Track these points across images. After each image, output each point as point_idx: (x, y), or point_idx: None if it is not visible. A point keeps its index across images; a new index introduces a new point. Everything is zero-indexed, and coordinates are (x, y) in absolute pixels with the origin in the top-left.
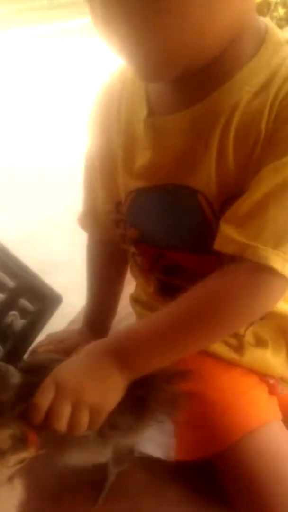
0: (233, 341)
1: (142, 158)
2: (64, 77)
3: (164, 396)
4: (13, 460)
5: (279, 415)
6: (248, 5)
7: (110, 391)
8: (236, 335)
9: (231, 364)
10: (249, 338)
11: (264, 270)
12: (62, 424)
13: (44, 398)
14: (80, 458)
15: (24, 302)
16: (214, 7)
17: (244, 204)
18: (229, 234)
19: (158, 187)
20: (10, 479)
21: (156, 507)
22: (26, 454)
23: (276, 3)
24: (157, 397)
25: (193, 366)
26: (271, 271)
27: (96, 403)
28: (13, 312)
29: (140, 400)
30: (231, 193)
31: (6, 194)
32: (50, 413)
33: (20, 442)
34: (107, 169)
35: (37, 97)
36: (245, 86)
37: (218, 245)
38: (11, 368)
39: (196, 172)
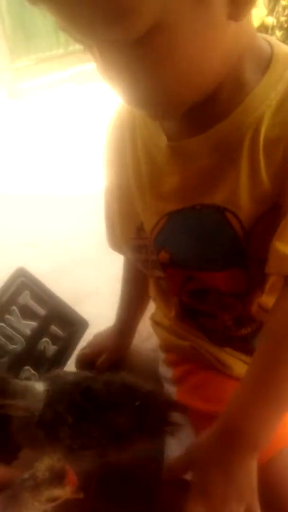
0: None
1: (170, 183)
2: (81, 118)
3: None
4: (46, 495)
5: None
6: (243, 28)
7: (246, 487)
8: None
9: None
10: None
11: None
12: None
13: None
14: None
15: (54, 329)
16: (207, 38)
17: None
18: (286, 253)
19: (187, 208)
20: None
21: None
22: (60, 493)
23: (273, 26)
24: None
25: (218, 388)
26: None
27: (251, 501)
28: (45, 339)
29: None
30: (266, 206)
31: (35, 229)
32: None
33: (57, 477)
34: (125, 198)
35: (60, 136)
36: (265, 100)
37: (274, 267)
38: None
39: (222, 190)
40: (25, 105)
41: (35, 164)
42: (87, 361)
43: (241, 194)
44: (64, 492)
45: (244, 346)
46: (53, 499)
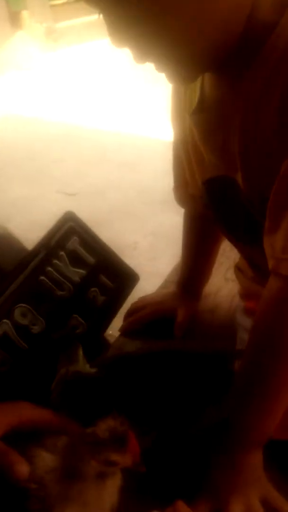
0: None
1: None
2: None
3: None
4: (104, 456)
5: None
6: None
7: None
8: None
9: None
10: None
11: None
12: None
13: None
14: None
15: (103, 279)
16: None
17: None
18: (267, 248)
19: (216, 177)
20: (101, 476)
21: None
22: (119, 459)
23: None
24: None
25: None
26: None
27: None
28: (94, 289)
29: None
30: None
31: (75, 179)
32: None
33: (117, 441)
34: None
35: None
36: None
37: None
38: None
39: (233, 163)
40: (61, 46)
41: (75, 109)
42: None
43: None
44: (122, 459)
45: None
46: (111, 463)
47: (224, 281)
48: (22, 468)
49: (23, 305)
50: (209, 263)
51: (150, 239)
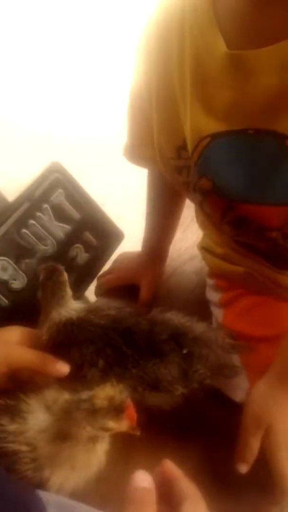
0: None
1: (221, 98)
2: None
3: (214, 360)
4: (100, 423)
5: None
6: None
7: None
8: None
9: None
10: None
11: None
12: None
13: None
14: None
15: (88, 236)
16: None
17: None
18: None
19: (237, 132)
20: (92, 440)
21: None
22: (115, 426)
23: None
24: (207, 359)
25: (270, 312)
26: None
27: None
28: (77, 245)
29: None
30: None
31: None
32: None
33: (115, 409)
34: (166, 108)
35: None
36: None
37: None
38: None
39: (286, 115)
40: None
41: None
42: (111, 288)
43: None
44: (119, 426)
45: None
46: (107, 429)
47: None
48: (62, 368)
49: (4, 258)
50: (174, 222)
51: (118, 196)
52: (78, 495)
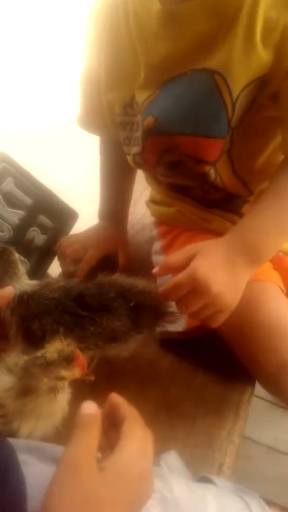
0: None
1: (163, 49)
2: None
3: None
4: (55, 374)
5: (278, 282)
6: None
7: (239, 294)
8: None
9: None
10: None
11: None
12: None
13: (182, 289)
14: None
15: (43, 219)
16: None
17: None
18: None
19: (179, 75)
20: (52, 390)
21: (186, 391)
22: (68, 374)
23: None
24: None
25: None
26: None
27: (229, 305)
28: (33, 228)
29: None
30: (254, 75)
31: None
32: (185, 302)
33: (64, 360)
34: (115, 73)
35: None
36: None
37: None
38: None
39: (215, 53)
40: None
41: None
42: (76, 257)
43: (233, 60)
44: (71, 373)
45: (228, 206)
46: (61, 378)
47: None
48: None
49: None
50: (129, 187)
51: (85, 181)
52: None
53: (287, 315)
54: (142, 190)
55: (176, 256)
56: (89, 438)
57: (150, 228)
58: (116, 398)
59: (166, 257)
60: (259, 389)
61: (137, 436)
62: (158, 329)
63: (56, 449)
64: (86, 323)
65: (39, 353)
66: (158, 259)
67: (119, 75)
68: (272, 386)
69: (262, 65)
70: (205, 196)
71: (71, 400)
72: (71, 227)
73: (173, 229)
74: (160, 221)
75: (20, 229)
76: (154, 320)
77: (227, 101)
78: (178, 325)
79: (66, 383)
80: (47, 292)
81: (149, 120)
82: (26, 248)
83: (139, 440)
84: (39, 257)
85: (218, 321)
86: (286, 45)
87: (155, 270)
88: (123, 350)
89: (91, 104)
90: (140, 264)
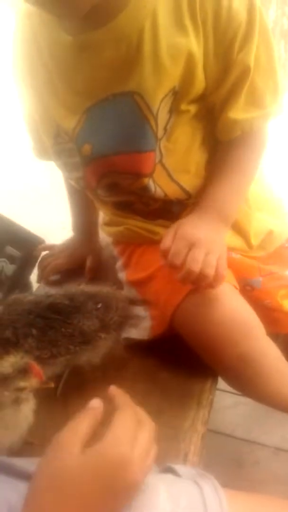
0: None
1: (81, 78)
2: None
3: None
4: (12, 386)
5: (233, 280)
6: None
7: (223, 239)
8: None
9: None
10: None
11: None
12: (196, 267)
13: (169, 244)
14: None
15: (10, 249)
16: None
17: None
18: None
19: (102, 100)
20: (16, 402)
21: (151, 387)
22: (26, 384)
23: None
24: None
25: (149, 255)
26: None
27: (216, 244)
28: (1, 259)
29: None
30: (167, 87)
31: None
32: (176, 253)
33: (20, 372)
34: (42, 108)
35: None
36: None
37: (224, 134)
38: None
39: (130, 76)
40: None
41: None
42: (60, 271)
43: (146, 79)
44: (29, 384)
45: (169, 215)
46: (21, 389)
47: None
48: None
49: None
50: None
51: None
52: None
53: (243, 309)
54: None
55: (165, 239)
56: (78, 423)
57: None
58: (112, 390)
59: (127, 274)
60: None
61: (122, 424)
62: (124, 335)
63: (26, 465)
64: (57, 325)
65: None
66: (121, 276)
67: (40, 109)
68: (233, 379)
69: (171, 78)
70: (146, 209)
71: (43, 409)
72: (38, 254)
73: (127, 247)
74: (116, 241)
75: None
76: (121, 321)
77: (149, 117)
78: (143, 333)
79: (30, 394)
80: (16, 307)
81: (86, 147)
82: None
83: (125, 428)
84: (10, 287)
85: (212, 264)
86: (190, 60)
87: (161, 263)
88: (93, 355)
89: (36, 134)
90: (106, 277)
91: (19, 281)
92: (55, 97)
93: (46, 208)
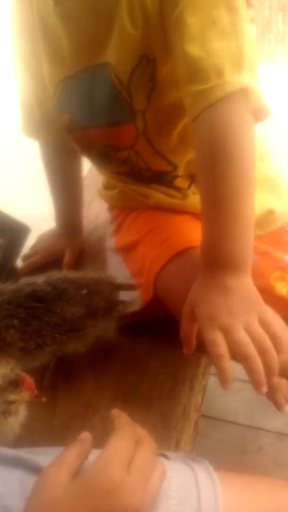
0: (177, 194)
1: (61, 46)
2: None
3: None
4: (2, 399)
5: None
6: None
7: (251, 286)
8: (180, 189)
9: (176, 211)
10: (192, 189)
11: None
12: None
13: (219, 340)
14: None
15: None
16: None
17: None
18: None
19: (79, 72)
20: (3, 414)
21: (141, 375)
22: (17, 398)
23: None
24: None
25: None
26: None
27: (260, 302)
28: None
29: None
30: (137, 54)
31: None
32: (236, 345)
33: (11, 384)
34: (30, 74)
35: None
36: None
37: (189, 113)
38: None
39: (104, 47)
40: None
41: None
42: (37, 267)
43: (113, 47)
44: (20, 397)
45: (162, 182)
46: (11, 402)
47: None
48: None
49: None
50: (78, 193)
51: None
52: None
53: None
54: (93, 196)
55: (183, 322)
56: (64, 455)
57: (103, 227)
58: (113, 412)
59: (117, 239)
60: None
61: (115, 446)
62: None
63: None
64: (40, 314)
65: None
66: (111, 242)
67: (28, 74)
68: None
69: (136, 45)
70: (139, 176)
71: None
72: (24, 241)
73: (121, 212)
74: (111, 206)
75: None
76: (107, 307)
77: (119, 88)
78: (134, 305)
79: (19, 406)
80: None
81: (65, 117)
82: None
83: (118, 450)
84: None
85: (272, 323)
86: (152, 18)
87: (185, 351)
88: (80, 344)
89: (27, 101)
90: (93, 261)
91: (3, 269)
92: (39, 65)
93: (35, 196)
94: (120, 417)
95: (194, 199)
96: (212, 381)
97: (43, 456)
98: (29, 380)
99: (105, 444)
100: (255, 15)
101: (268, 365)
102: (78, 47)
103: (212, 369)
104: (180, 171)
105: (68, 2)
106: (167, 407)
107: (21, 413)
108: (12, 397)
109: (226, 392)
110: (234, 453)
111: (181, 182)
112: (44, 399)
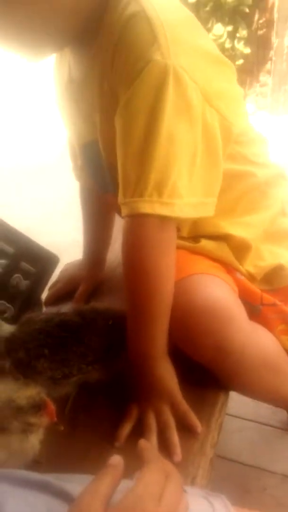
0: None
1: (75, 117)
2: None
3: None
4: (23, 419)
5: (222, 275)
6: None
7: (170, 385)
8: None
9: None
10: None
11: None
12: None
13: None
14: None
15: (25, 265)
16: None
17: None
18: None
19: (88, 143)
20: (24, 432)
21: None
22: (36, 421)
23: None
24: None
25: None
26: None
27: (171, 399)
28: (16, 275)
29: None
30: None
31: (8, 191)
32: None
33: (33, 407)
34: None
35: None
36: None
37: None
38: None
39: (91, 124)
40: None
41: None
42: (61, 296)
43: (97, 126)
44: (39, 421)
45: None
46: (30, 424)
47: None
48: None
49: None
50: (106, 231)
51: None
52: None
53: (223, 298)
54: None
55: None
56: (98, 484)
57: None
58: (141, 443)
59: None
60: (270, 417)
61: (147, 480)
62: None
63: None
64: (69, 344)
65: (14, 395)
66: None
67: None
68: (219, 372)
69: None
70: None
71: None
72: (52, 270)
73: None
74: None
75: (4, 277)
76: None
77: (106, 163)
78: None
79: (39, 428)
80: (28, 327)
81: (91, 182)
82: (11, 294)
83: (149, 485)
84: (23, 302)
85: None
86: None
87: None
88: (103, 375)
89: (72, 159)
90: (109, 297)
91: (32, 297)
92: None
93: (61, 225)
94: (148, 449)
95: (205, 242)
96: None
97: (70, 484)
98: (51, 407)
99: (137, 477)
100: (273, 67)
101: None
102: (84, 122)
103: None
104: (184, 232)
105: (74, 83)
106: (185, 443)
107: (41, 433)
108: (32, 420)
109: (230, 430)
110: (236, 492)
111: (187, 240)
112: (62, 428)
